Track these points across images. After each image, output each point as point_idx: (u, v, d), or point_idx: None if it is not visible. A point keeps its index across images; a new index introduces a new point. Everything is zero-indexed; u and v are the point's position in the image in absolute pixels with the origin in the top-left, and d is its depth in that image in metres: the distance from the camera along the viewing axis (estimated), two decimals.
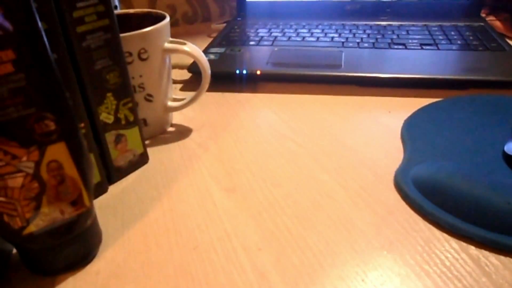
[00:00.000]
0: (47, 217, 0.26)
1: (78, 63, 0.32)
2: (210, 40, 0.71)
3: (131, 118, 0.37)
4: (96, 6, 0.31)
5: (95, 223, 0.30)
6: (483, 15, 0.76)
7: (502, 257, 0.28)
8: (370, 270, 0.28)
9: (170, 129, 0.46)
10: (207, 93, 0.54)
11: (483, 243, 0.29)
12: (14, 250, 0.31)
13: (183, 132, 0.45)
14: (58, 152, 0.26)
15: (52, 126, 0.25)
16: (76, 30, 0.31)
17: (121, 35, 0.35)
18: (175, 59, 0.60)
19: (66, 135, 0.25)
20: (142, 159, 0.39)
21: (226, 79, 0.56)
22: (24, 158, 0.25)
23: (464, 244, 0.29)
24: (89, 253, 0.29)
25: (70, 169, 0.26)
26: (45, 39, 0.24)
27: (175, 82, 0.58)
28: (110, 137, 0.36)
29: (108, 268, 0.29)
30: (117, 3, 0.63)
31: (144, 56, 0.39)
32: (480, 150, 0.36)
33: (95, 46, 0.32)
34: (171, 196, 0.35)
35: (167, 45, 0.41)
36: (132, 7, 0.81)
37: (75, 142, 0.26)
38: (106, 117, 0.35)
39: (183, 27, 0.85)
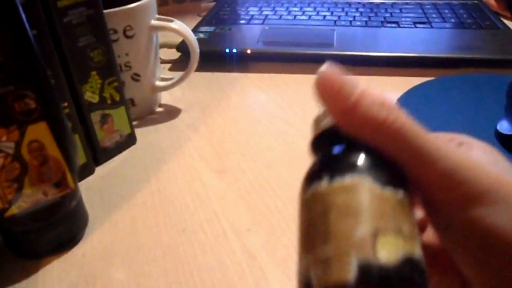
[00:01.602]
0: (30, 198, 0.25)
1: (60, 40, 0.31)
2: (200, 19, 0.69)
3: (117, 98, 0.36)
4: None
5: (80, 205, 0.29)
6: None
7: None
8: None
9: (159, 109, 0.45)
10: (197, 72, 0.53)
11: None
12: None
13: (172, 113, 0.44)
14: (39, 132, 0.25)
15: (32, 104, 0.24)
16: (57, 4, 0.29)
17: (105, 11, 0.34)
18: (164, 37, 0.58)
19: (47, 114, 0.25)
20: (129, 140, 0.39)
21: (216, 58, 0.55)
22: (4, 138, 0.24)
23: None
24: (75, 235, 0.29)
25: (53, 150, 0.25)
26: (23, 14, 0.23)
27: (164, 61, 0.56)
28: (95, 117, 0.35)
29: (94, 250, 0.28)
30: None
31: (130, 33, 0.38)
32: (473, 128, 0.36)
33: (77, 22, 0.31)
34: (160, 178, 0.35)
35: (153, 22, 0.39)
36: None
37: (57, 122, 0.25)
38: (91, 96, 0.34)
39: (173, 6, 0.83)
